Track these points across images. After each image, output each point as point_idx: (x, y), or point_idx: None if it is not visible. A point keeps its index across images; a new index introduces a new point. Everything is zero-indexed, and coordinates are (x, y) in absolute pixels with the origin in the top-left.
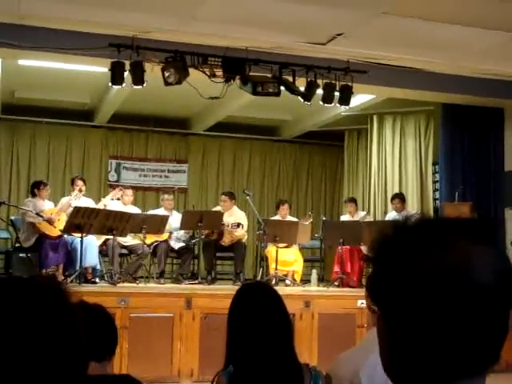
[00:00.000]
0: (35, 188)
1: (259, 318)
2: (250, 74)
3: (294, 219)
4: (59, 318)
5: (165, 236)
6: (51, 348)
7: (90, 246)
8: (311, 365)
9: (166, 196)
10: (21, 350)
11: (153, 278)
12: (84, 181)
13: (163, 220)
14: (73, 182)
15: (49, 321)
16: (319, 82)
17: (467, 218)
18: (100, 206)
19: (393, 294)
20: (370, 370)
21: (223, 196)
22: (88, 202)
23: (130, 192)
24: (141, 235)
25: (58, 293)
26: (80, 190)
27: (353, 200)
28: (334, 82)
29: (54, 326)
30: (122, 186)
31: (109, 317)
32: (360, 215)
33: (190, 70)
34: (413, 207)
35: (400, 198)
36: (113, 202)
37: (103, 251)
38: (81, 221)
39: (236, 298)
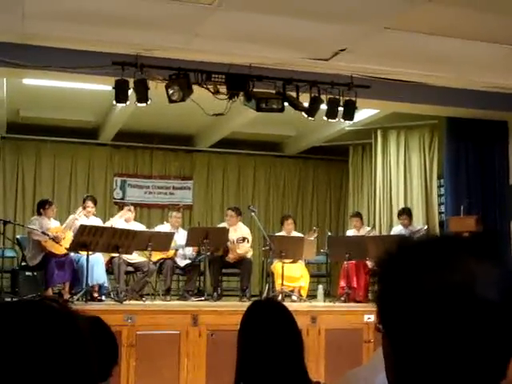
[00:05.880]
0: (41, 207)
1: (270, 334)
2: (254, 90)
3: (300, 235)
4: (69, 342)
5: (171, 253)
6: (60, 372)
7: (97, 264)
8: (322, 382)
9: (174, 213)
10: (30, 374)
11: (159, 295)
12: (95, 201)
13: (169, 237)
14: (84, 201)
15: (59, 345)
16: (323, 97)
17: (471, 233)
18: (108, 225)
19: (397, 312)
20: None
21: (229, 211)
22: (96, 222)
23: (131, 209)
24: (147, 252)
25: (68, 317)
26: (84, 208)
27: (358, 215)
28: (337, 97)
29: (64, 351)
30: (126, 204)
31: (107, 328)
32: (365, 230)
33: (194, 87)
34: (418, 221)
35: (407, 213)
36: (117, 220)
37: (109, 269)
38: (86, 239)
39: (247, 314)
